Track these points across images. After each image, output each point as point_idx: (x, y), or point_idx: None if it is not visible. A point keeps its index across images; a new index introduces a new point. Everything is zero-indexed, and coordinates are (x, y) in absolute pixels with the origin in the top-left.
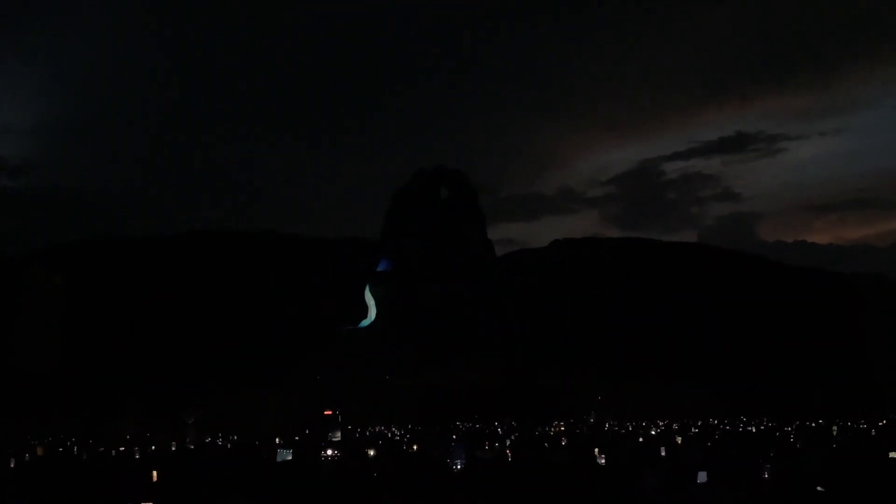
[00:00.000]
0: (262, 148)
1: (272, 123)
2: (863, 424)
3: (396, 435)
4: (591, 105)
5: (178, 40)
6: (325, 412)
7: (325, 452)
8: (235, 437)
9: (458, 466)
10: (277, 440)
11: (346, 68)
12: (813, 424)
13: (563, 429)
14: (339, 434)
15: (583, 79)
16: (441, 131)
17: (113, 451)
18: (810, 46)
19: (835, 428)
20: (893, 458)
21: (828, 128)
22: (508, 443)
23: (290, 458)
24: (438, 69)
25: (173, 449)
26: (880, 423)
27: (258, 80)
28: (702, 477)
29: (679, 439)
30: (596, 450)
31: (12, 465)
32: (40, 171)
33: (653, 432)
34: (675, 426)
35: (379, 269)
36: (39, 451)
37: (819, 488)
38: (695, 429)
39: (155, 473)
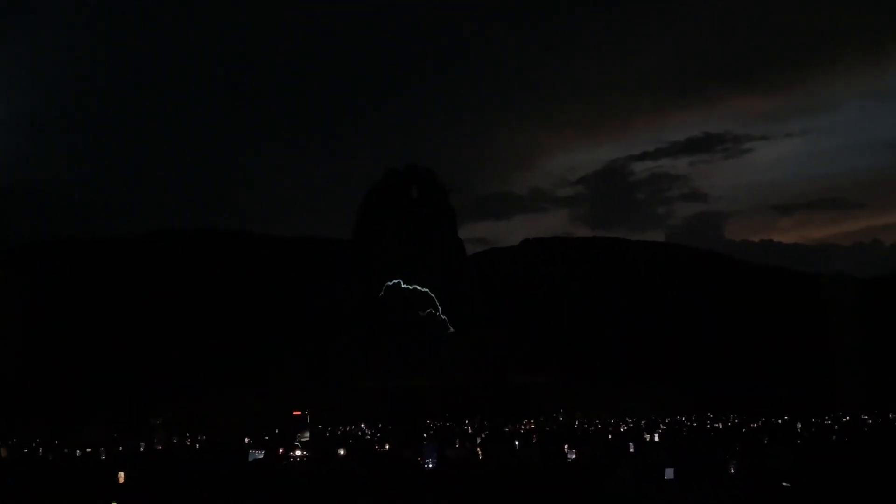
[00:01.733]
0: (233, 148)
1: (243, 124)
2: (827, 421)
3: (367, 434)
4: (561, 106)
5: (149, 38)
6: (294, 412)
7: (294, 453)
8: (204, 438)
9: (430, 465)
10: (247, 440)
11: (318, 71)
12: (778, 421)
13: (533, 427)
14: (307, 434)
15: (553, 80)
16: (412, 131)
17: (78, 452)
18: (776, 49)
19: (799, 424)
20: (858, 454)
21: (793, 129)
22: (479, 441)
23: (261, 457)
24: (410, 71)
25: (141, 450)
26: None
27: (232, 82)
28: (669, 473)
29: (647, 436)
30: (566, 447)
31: None
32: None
33: (622, 429)
34: (643, 423)
35: (350, 268)
36: (3, 452)
37: (784, 483)
38: (663, 426)
39: (122, 475)
